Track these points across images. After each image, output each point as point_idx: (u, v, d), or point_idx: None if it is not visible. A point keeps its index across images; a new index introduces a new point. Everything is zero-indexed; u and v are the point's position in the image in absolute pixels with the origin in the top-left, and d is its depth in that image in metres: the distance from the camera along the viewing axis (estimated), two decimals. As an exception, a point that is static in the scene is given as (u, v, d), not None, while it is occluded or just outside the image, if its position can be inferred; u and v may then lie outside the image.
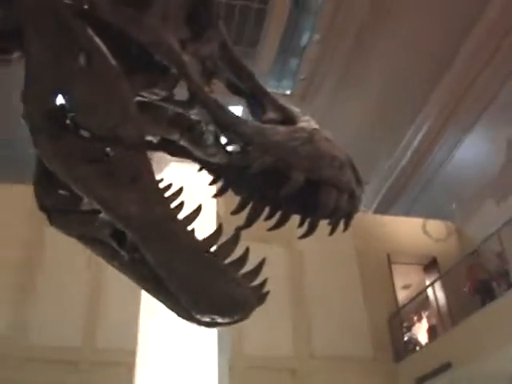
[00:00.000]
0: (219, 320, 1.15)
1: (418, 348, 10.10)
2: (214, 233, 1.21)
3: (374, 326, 10.13)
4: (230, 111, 1.28)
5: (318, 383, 9.44)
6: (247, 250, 1.21)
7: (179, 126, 1.39)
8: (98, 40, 1.26)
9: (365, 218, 12.07)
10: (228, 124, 1.25)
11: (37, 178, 1.30)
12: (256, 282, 1.19)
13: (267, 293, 1.19)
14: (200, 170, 1.37)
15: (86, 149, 1.20)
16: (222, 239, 1.19)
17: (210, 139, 1.32)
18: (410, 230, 11.33)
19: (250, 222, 1.24)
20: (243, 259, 1.20)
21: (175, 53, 1.30)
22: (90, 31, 1.27)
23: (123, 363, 8.14)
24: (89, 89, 1.23)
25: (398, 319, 10.48)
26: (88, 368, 9.47)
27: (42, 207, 1.31)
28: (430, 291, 10.28)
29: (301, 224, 1.21)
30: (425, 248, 11.27)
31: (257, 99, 1.42)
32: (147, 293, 1.26)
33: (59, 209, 1.31)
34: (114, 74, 1.24)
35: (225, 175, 1.29)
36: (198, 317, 1.15)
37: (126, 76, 1.27)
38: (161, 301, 1.21)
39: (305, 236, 1.21)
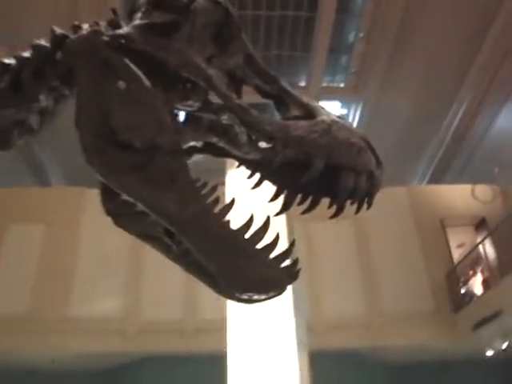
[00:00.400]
0: (256, 297, 1.25)
1: (473, 299, 10.92)
2: (246, 222, 1.29)
3: (434, 283, 11.29)
4: (254, 113, 1.35)
5: (388, 337, 10.57)
6: (277, 236, 1.29)
7: (216, 130, 1.48)
8: (133, 67, 1.39)
9: (419, 188, 13.38)
10: (253, 124, 1.33)
11: (101, 188, 1.42)
12: (287, 262, 1.27)
13: (298, 270, 1.29)
14: (238, 166, 1.45)
15: (130, 160, 1.30)
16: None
17: (244, 139, 1.41)
18: (460, 196, 12.48)
19: (284, 208, 1.31)
20: (274, 244, 1.28)
21: (201, 69, 1.40)
22: (127, 60, 1.40)
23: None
24: (128, 109, 1.34)
25: (455, 275, 11.45)
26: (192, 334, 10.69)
27: (107, 211, 1.43)
28: (481, 248, 11.14)
29: (330, 206, 1.26)
30: (474, 210, 12.40)
31: (282, 99, 1.49)
32: (193, 276, 1.35)
33: (119, 212, 1.42)
34: (149, 94, 1.36)
35: (260, 169, 1.33)
36: (237, 295, 1.25)
37: (162, 93, 1.40)
38: (204, 283, 1.32)
39: (333, 216, 1.27)
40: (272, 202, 1.34)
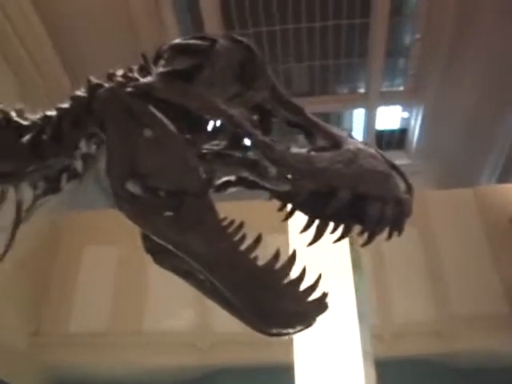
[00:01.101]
0: (284, 331, 1.25)
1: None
2: (273, 257, 1.31)
3: (506, 285, 10.82)
4: (278, 148, 1.37)
5: (459, 342, 10.26)
6: (304, 269, 1.29)
7: (246, 165, 1.51)
8: (158, 113, 1.43)
9: (487, 188, 12.94)
10: (277, 159, 1.34)
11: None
12: (316, 295, 1.27)
13: (327, 305, 1.28)
14: (270, 198, 1.49)
15: (159, 205, 1.34)
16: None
17: (273, 172, 1.42)
18: (530, 194, 11.97)
19: (316, 239, 1.30)
20: (301, 277, 1.28)
21: (221, 110, 1.43)
22: (151, 108, 1.44)
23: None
24: (154, 155, 1.37)
25: None
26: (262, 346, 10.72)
27: (147, 249, 1.52)
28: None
29: (361, 233, 1.27)
30: (546, 208, 11.79)
31: (308, 130, 1.51)
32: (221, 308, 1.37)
33: (157, 250, 1.48)
34: (174, 139, 1.39)
35: (289, 200, 1.37)
36: (265, 330, 1.26)
37: (188, 137, 1.44)
38: (236, 317, 1.33)
39: (364, 245, 1.27)
40: (304, 233, 1.35)
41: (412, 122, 15.03)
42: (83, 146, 1.81)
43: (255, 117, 1.63)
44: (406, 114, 14.86)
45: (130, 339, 10.65)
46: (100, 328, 11.10)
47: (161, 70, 1.56)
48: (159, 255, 1.52)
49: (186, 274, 1.47)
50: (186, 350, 10.82)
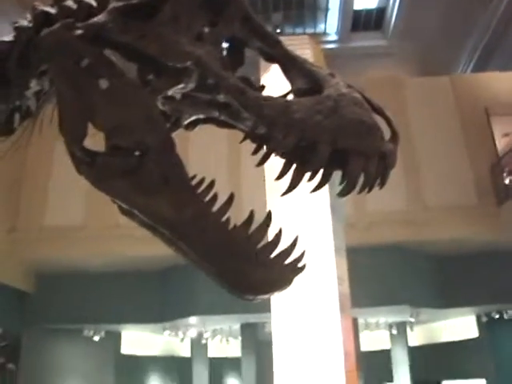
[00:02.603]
0: (259, 297, 1.19)
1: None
2: (246, 220, 1.23)
3: (477, 175, 11.02)
4: (252, 94, 1.24)
5: (431, 232, 10.54)
6: (280, 232, 1.22)
7: (216, 106, 1.38)
8: (113, 60, 1.29)
9: (463, 77, 12.77)
10: (251, 107, 1.23)
11: None
12: (291, 258, 1.20)
13: (303, 267, 1.22)
14: (244, 139, 1.34)
15: (120, 164, 1.22)
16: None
17: (246, 115, 1.28)
18: (507, 84, 11.79)
19: (292, 187, 1.21)
20: (276, 241, 1.22)
21: (186, 53, 1.28)
22: (104, 54, 1.29)
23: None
24: (112, 109, 1.25)
25: (499, 166, 11.10)
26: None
27: (112, 201, 1.32)
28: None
29: (341, 182, 1.18)
30: (521, 97, 11.65)
31: (285, 65, 1.39)
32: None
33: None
34: (133, 89, 1.26)
35: (266, 143, 1.24)
36: (239, 296, 1.20)
37: (151, 81, 1.32)
38: (206, 275, 1.23)
39: (342, 195, 1.18)
40: (279, 180, 1.21)
41: (390, 5, 14.50)
42: (34, 85, 1.61)
43: (225, 48, 1.45)
44: (383, -2, 14.33)
45: (107, 232, 10.76)
46: (76, 221, 11.19)
47: (113, 5, 1.35)
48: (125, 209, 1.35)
49: (155, 230, 1.31)
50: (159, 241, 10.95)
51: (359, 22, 15.92)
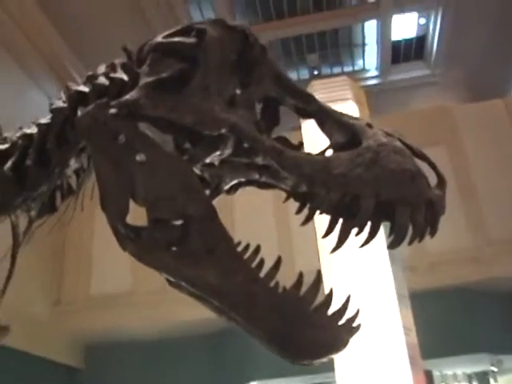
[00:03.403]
0: (315, 361, 1.19)
1: None
2: (296, 282, 1.25)
3: None
4: (290, 154, 1.28)
5: (501, 267, 10.17)
6: (331, 291, 1.23)
7: (255, 168, 1.42)
8: (149, 134, 1.34)
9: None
10: (290, 168, 1.26)
11: None
12: (345, 318, 1.22)
13: (358, 326, 1.22)
14: (287, 198, 1.39)
15: (164, 237, 1.27)
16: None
17: (286, 175, 1.31)
18: None
19: (341, 243, 1.22)
20: (328, 301, 1.22)
21: (221, 120, 1.33)
22: (140, 130, 1.34)
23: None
24: (151, 182, 1.29)
25: None
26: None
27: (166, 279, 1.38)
28: None
29: (391, 233, 1.20)
30: None
31: (320, 119, 1.43)
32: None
33: None
34: (171, 161, 1.31)
35: (309, 200, 1.27)
36: (293, 361, 1.20)
37: (188, 151, 1.38)
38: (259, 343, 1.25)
39: (392, 247, 1.21)
40: (327, 237, 1.26)
41: (430, 27, 14.51)
42: (74, 163, 1.73)
43: (260, 108, 1.53)
44: (423, 20, 14.37)
45: (156, 297, 10.86)
46: (123, 288, 11.36)
47: (144, 80, 1.42)
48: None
49: (204, 300, 1.35)
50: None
51: (399, 54, 16.01)
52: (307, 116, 1.49)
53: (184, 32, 1.47)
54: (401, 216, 1.19)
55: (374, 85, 16.02)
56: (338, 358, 6.07)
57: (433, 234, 1.28)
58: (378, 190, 1.18)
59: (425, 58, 15.81)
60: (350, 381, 6.11)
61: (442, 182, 1.31)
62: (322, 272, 6.57)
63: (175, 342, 12.05)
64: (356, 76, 15.28)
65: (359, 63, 16.64)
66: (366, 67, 16.67)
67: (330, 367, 6.12)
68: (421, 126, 10.94)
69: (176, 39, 1.45)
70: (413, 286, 7.36)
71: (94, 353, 12.10)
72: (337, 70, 16.54)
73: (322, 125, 1.45)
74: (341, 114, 1.43)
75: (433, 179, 1.34)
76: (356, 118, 1.42)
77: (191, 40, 1.43)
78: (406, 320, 6.37)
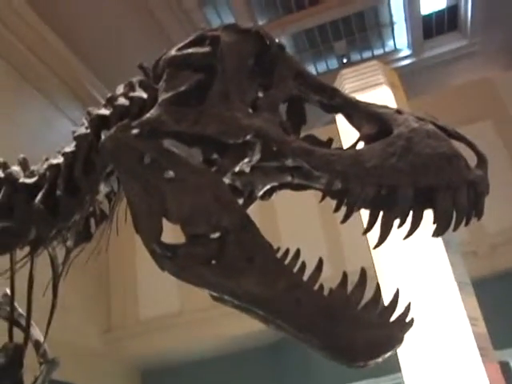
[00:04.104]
0: (370, 362, 1.19)
1: None
2: (341, 282, 1.27)
3: None
4: (319, 152, 1.31)
5: None
6: (378, 287, 1.25)
7: (287, 171, 1.44)
8: (174, 151, 1.37)
9: None
10: (321, 166, 1.28)
11: None
12: (397, 313, 1.22)
13: (411, 321, 1.22)
14: (323, 198, 1.43)
15: (202, 253, 1.30)
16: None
17: (318, 174, 1.33)
18: None
19: (384, 237, 1.23)
20: (376, 299, 1.24)
21: (245, 127, 1.36)
22: (164, 147, 1.38)
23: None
24: (183, 198, 1.33)
25: None
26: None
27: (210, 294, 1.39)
28: None
29: (435, 221, 1.19)
30: None
31: (348, 114, 1.45)
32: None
33: None
34: (200, 174, 1.34)
35: (346, 197, 1.28)
36: (348, 365, 1.21)
37: (216, 162, 1.40)
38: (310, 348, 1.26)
39: (436, 235, 1.19)
40: (368, 233, 1.27)
41: (461, 10, 14.28)
42: (103, 188, 1.78)
43: (285, 109, 1.55)
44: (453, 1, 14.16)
45: (206, 314, 10.96)
46: (171, 309, 11.52)
47: (163, 97, 1.46)
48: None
49: (249, 311, 1.36)
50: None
51: (431, 28, 15.75)
52: (333, 111, 1.51)
53: (197, 42, 1.51)
54: (442, 201, 1.18)
55: (408, 65, 15.80)
56: (404, 358, 6.08)
57: (479, 216, 1.26)
58: (414, 178, 1.19)
59: (459, 28, 15.50)
60: (418, 380, 6.07)
61: (482, 161, 1.29)
62: (376, 268, 6.76)
63: (230, 357, 12.12)
64: (388, 58, 15.10)
65: (390, 44, 16.45)
66: (398, 47, 16.46)
67: (396, 368, 6.09)
68: (463, 103, 10.75)
69: (190, 50, 1.48)
70: (475, 272, 7.23)
71: (151, 377, 12.28)
72: (367, 54, 16.35)
73: (349, 118, 1.47)
74: (367, 104, 1.44)
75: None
76: (384, 106, 1.43)
77: (205, 49, 1.47)
78: (470, 309, 6.26)
